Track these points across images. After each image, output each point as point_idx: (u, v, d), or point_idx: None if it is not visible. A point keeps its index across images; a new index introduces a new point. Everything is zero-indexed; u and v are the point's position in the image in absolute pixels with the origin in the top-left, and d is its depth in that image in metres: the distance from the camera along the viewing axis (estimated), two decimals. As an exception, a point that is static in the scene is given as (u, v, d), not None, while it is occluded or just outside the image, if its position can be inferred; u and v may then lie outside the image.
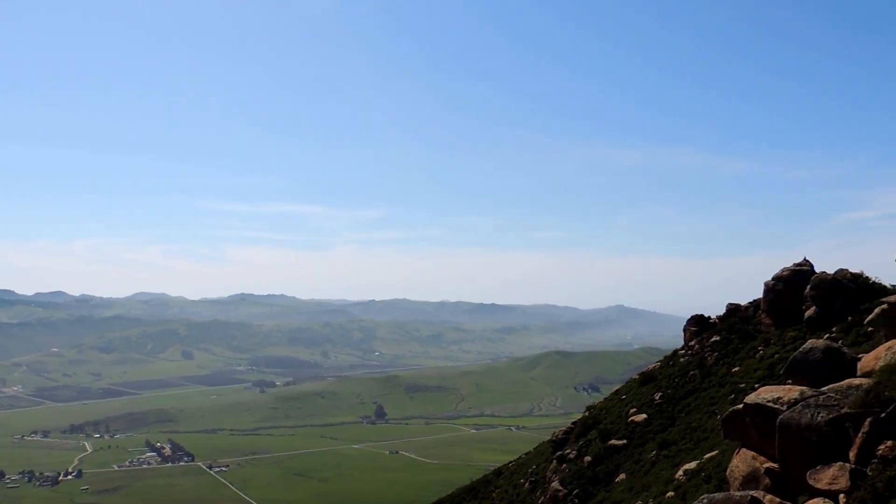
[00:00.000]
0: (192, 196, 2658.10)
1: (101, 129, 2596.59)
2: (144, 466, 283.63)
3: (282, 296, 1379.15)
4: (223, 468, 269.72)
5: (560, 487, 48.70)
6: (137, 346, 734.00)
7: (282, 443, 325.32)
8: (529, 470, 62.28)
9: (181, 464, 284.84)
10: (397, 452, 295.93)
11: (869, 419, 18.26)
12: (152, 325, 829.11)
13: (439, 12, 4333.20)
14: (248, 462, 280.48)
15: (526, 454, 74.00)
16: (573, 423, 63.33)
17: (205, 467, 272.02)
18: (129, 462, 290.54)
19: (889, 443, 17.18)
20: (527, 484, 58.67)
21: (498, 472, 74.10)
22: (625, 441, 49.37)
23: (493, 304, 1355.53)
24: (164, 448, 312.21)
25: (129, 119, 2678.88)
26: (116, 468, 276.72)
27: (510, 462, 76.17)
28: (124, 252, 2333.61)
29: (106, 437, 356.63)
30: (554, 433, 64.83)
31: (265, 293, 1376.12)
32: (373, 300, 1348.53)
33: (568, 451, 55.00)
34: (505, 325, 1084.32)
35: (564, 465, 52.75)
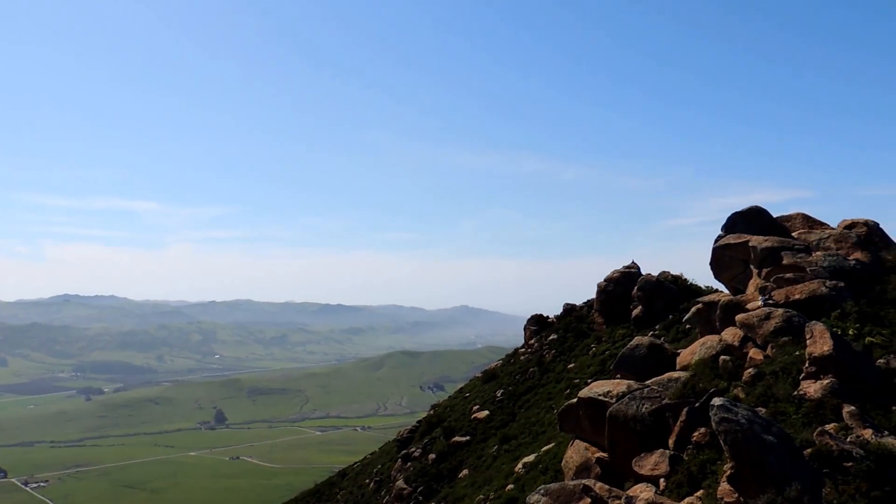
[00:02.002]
0: (2, 188, 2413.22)
1: None
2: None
3: (112, 297, 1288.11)
4: (42, 484, 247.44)
5: (405, 486, 49.17)
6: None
7: (110, 453, 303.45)
8: (374, 470, 62.34)
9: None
10: (238, 458, 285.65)
11: (685, 409, 20.04)
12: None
13: (301, 9, 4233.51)
14: (70, 476, 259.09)
15: (371, 454, 74.03)
16: (418, 422, 64.16)
17: (20, 484, 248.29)
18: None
19: (702, 430, 18.93)
20: (372, 484, 58.70)
21: (343, 474, 73.59)
22: (468, 438, 50.69)
23: (339, 304, 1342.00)
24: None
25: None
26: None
27: (355, 463, 75.83)
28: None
29: None
30: (399, 432, 65.33)
31: (93, 294, 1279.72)
32: (213, 301, 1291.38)
33: (413, 449, 55.64)
34: (351, 325, 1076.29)
35: (409, 464, 53.31)
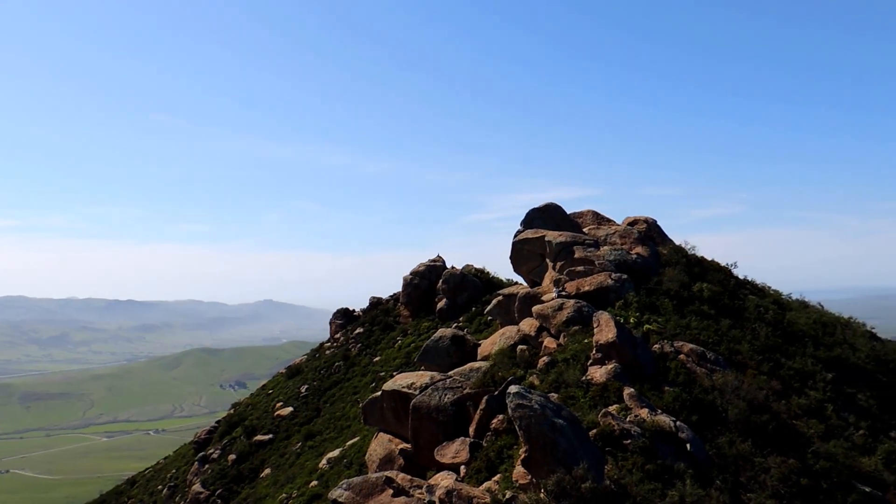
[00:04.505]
0: None
1: None
2: None
3: None
4: None
5: (202, 489, 46.84)
6: None
7: None
8: (168, 475, 58.95)
9: None
10: (8, 472, 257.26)
11: (485, 397, 20.75)
12: None
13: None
14: None
15: (165, 459, 70.02)
16: (217, 422, 61.58)
17: None
18: None
19: (500, 417, 19.68)
20: (165, 490, 55.35)
21: (132, 481, 68.98)
22: (271, 436, 49.33)
23: (130, 300, 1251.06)
24: None
25: None
26: None
27: (147, 469, 71.39)
28: None
29: None
30: (196, 434, 62.35)
31: None
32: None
33: (211, 451, 53.25)
34: (144, 322, 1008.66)
35: (207, 466, 50.93)
